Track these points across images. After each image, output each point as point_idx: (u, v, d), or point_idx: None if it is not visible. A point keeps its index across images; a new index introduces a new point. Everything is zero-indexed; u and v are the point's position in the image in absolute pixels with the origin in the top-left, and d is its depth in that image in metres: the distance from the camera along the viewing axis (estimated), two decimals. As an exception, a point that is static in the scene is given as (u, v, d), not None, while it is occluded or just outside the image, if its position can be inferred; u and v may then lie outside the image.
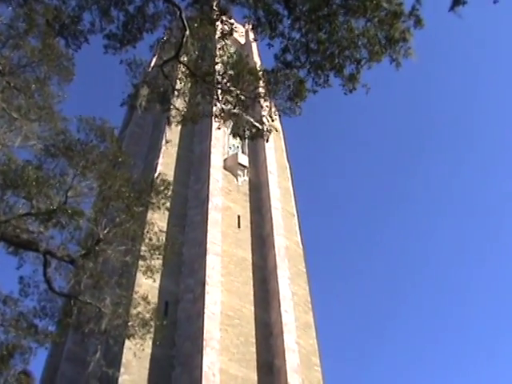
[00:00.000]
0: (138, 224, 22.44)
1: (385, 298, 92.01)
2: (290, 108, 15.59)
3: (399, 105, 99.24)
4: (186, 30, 15.38)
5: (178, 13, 15.64)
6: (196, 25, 15.27)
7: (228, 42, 16.04)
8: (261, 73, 15.88)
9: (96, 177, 21.87)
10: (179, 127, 42.35)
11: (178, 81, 16.68)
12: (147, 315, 22.94)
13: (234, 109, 16.48)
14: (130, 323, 21.79)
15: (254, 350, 32.22)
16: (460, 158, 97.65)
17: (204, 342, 29.36)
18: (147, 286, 32.02)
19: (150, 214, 33.58)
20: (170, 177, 38.61)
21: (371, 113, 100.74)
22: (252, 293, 34.95)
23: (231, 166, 41.66)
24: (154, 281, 32.40)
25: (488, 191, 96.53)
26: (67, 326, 22.95)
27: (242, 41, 55.72)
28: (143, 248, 22.51)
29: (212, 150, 40.56)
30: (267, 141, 41.33)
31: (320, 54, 12.90)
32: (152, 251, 23.40)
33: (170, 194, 23.57)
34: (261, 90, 16.42)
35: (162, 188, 22.60)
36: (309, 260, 40.51)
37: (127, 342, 28.47)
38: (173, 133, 42.53)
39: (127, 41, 17.02)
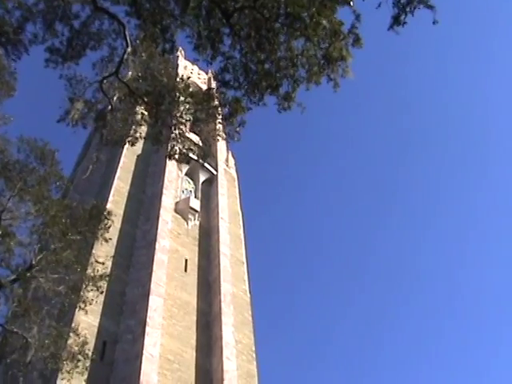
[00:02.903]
0: (74, 253, 21.65)
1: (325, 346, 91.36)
2: (229, 133, 15.06)
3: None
4: (127, 47, 15.05)
5: (122, 29, 15.35)
6: (138, 42, 14.92)
7: (170, 61, 15.72)
8: (201, 96, 15.48)
9: (33, 200, 21.20)
10: (132, 167, 42.00)
11: (117, 99, 16.26)
12: (77, 349, 21.98)
13: (173, 132, 15.87)
14: (57, 356, 20.73)
15: (192, 397, 31.10)
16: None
17: (139, 385, 28.18)
18: (85, 323, 30.94)
19: (94, 250, 33.08)
20: (120, 215, 37.94)
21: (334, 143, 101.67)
22: (194, 338, 33.93)
23: (182, 210, 41.10)
24: (93, 319, 31.65)
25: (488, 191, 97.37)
26: (-8, 358, 21.87)
27: (204, 87, 55.91)
28: (77, 278, 21.71)
29: (164, 191, 40.02)
30: (221, 187, 41.21)
31: (258, 74, 12.64)
32: (88, 283, 22.62)
33: (109, 224, 22.93)
34: (198, 113, 15.83)
35: (101, 217, 21.99)
36: (256, 308, 39.81)
37: (60, 382, 27.29)
38: (126, 172, 42.02)
39: (70, 57, 16.64)
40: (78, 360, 20.79)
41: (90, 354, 21.30)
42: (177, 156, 16.13)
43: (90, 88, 16.08)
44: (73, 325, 29.42)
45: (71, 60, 16.65)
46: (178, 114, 15.25)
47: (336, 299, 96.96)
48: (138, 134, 16.12)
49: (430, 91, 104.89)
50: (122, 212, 38.30)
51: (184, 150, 16.21)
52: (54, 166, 20.76)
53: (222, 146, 50.86)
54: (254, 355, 36.13)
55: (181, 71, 49.91)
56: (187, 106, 15.57)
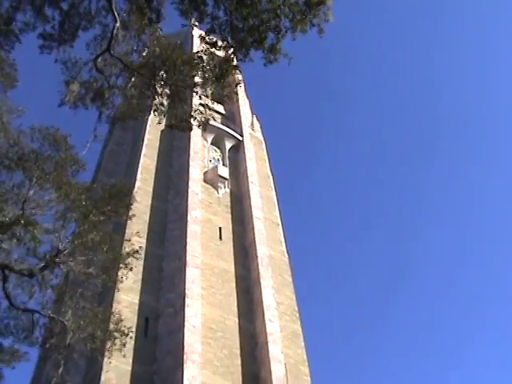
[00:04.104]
0: (100, 234, 21.81)
1: (375, 304, 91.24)
2: (226, 95, 14.88)
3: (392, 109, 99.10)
4: (116, 22, 14.91)
5: (109, 5, 15.21)
6: (126, 15, 14.77)
7: (160, 30, 15.52)
8: (196, 61, 15.27)
9: (53, 187, 21.35)
10: (157, 143, 42.08)
11: (114, 76, 16.18)
12: (112, 327, 22.29)
13: (173, 101, 15.75)
14: (95, 336, 21.05)
15: (238, 362, 31.41)
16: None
17: (185, 356, 28.57)
18: (126, 302, 31.46)
19: (127, 229, 33.43)
20: (149, 192, 38.19)
21: (363, 117, 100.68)
22: (235, 304, 34.21)
23: (211, 179, 41.17)
24: (133, 297, 32.10)
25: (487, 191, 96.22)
26: (33, 344, 22.30)
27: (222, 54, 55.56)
28: (105, 258, 21.89)
29: (191, 163, 40.08)
30: (248, 151, 41.08)
31: (243, 31, 12.43)
32: (117, 262, 22.82)
33: (130, 201, 23.02)
34: (197, 78, 15.65)
35: (121, 195, 22.05)
36: (296, 269, 39.85)
37: (106, 360, 27.80)
38: (152, 148, 42.18)
39: (64, 40, 16.58)
40: (115, 338, 21.05)
41: (126, 330, 21.45)
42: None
43: (86, 69, 16.01)
44: (114, 305, 30.09)
45: (65, 43, 16.61)
46: (174, 83, 15.09)
47: (372, 248, 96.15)
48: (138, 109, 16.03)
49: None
50: (151, 189, 38.55)
51: (184, 117, 16.04)
52: (68, 151, 20.78)
53: (245, 110, 50.65)
54: (298, 315, 36.31)
55: (196, 42, 49.35)
56: (184, 73, 15.38)
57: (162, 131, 43.33)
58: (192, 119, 16.19)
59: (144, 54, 15.58)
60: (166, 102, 16.48)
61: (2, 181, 21.42)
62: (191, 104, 16.80)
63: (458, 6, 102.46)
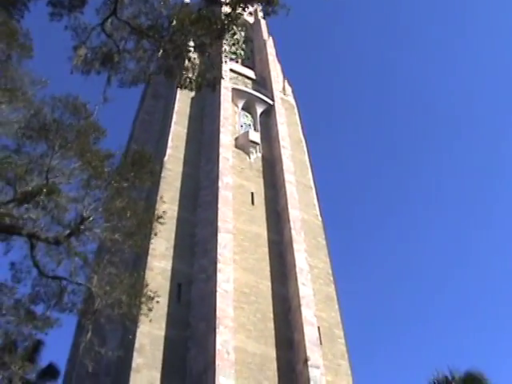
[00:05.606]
0: (125, 200, 21.91)
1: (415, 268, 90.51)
2: (235, 53, 14.63)
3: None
4: (120, -17, 14.74)
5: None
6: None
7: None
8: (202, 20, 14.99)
9: (75, 155, 21.47)
10: (188, 110, 41.96)
11: (123, 40, 16.03)
12: (147, 293, 22.48)
13: (183, 61, 15.54)
14: (121, 301, 21.25)
15: (272, 325, 31.50)
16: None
17: (217, 321, 28.75)
18: (159, 268, 31.76)
19: (158, 197, 33.58)
20: (180, 159, 38.25)
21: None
22: (268, 268, 34.22)
23: (242, 144, 41.03)
24: (165, 263, 32.34)
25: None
26: (63, 310, 22.65)
27: (251, 20, 55.07)
28: (130, 224, 21.96)
29: (221, 129, 39.92)
30: (279, 116, 40.69)
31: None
32: (141, 228, 22.86)
33: (152, 168, 22.99)
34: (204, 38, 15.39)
35: (143, 161, 22.04)
36: (332, 234, 39.57)
37: (141, 326, 28.21)
38: (182, 115, 42.15)
39: (73, 6, 16.50)
40: (141, 303, 21.22)
41: (152, 295, 21.59)
42: (187, 85, 15.83)
43: (95, 34, 15.90)
44: (147, 272, 30.40)
45: (75, 9, 16.53)
46: (182, 42, 14.88)
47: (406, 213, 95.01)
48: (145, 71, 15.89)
49: None
50: (182, 156, 38.60)
51: (194, 77, 15.81)
52: (88, 118, 20.82)
53: (276, 75, 50.12)
54: (332, 278, 36.18)
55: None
56: (192, 32, 15.12)
57: (192, 98, 43.24)
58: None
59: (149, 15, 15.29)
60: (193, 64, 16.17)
61: (25, 151, 21.65)
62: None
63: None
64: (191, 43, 15.21)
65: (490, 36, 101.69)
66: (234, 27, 13.25)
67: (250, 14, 56.42)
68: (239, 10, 12.62)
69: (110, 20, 15.26)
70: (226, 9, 14.98)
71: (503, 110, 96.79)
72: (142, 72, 16.12)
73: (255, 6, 13.14)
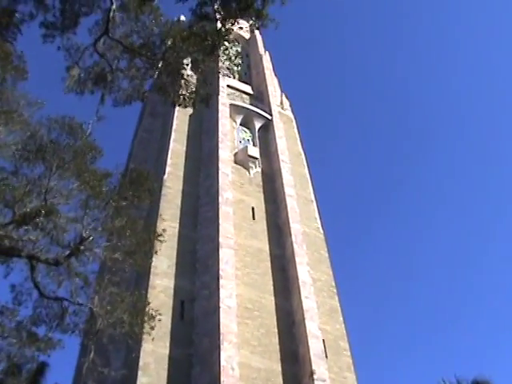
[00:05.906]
0: (124, 219, 21.92)
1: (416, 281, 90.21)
2: (229, 68, 14.72)
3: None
4: (112, 4, 14.84)
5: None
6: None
7: (159, 10, 15.37)
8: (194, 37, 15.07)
9: (73, 175, 21.51)
10: (186, 128, 42.09)
11: (116, 59, 16.12)
12: (148, 312, 22.43)
13: (176, 78, 15.61)
14: (123, 320, 21.20)
15: (276, 340, 31.37)
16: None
17: (221, 337, 28.65)
18: (161, 286, 31.68)
19: (159, 215, 33.64)
20: (180, 177, 38.30)
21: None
22: (271, 283, 34.14)
23: (242, 159, 41.08)
24: (168, 281, 32.26)
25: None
26: (65, 331, 22.60)
27: (247, 35, 55.34)
28: (130, 243, 21.95)
29: (220, 145, 39.99)
30: (277, 130, 40.73)
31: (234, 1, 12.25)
32: (142, 247, 22.83)
33: (150, 186, 22.99)
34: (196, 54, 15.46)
35: (141, 179, 22.05)
36: (334, 246, 39.53)
37: (145, 345, 28.11)
38: (180, 133, 42.24)
39: (66, 27, 16.61)
40: (143, 321, 21.17)
41: (153, 313, 21.55)
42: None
43: (88, 54, 15.99)
44: (150, 290, 30.34)
45: (68, 30, 16.64)
46: (175, 60, 14.96)
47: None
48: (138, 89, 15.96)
49: None
50: (181, 173, 38.65)
51: (187, 94, 15.88)
52: (84, 138, 20.87)
53: (273, 89, 50.30)
54: (335, 290, 36.08)
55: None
56: (184, 49, 15.20)
57: (190, 115, 43.33)
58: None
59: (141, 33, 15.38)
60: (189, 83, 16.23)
61: (23, 173, 21.68)
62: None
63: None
64: (185, 60, 15.28)
65: (490, 36, 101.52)
66: (226, 43, 13.32)
67: (241, 28, 56.81)
68: (229, 26, 12.68)
69: (102, 40, 15.36)
70: (218, 24, 15.06)
71: (503, 110, 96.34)
72: (135, 90, 16.20)
73: (250, 22, 13.13)
